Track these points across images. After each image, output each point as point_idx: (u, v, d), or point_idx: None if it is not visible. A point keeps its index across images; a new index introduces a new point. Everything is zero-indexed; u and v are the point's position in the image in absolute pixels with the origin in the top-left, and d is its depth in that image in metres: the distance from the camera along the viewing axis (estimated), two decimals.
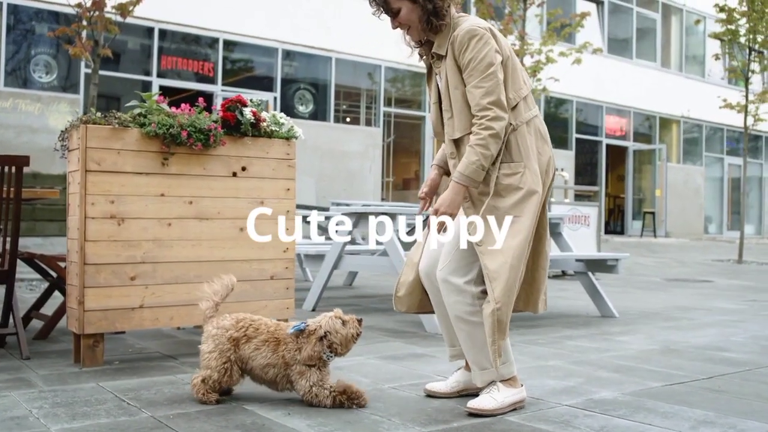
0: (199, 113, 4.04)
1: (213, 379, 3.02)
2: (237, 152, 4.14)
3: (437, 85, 3.16)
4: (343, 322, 3.09)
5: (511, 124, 3.00)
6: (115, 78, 13.80)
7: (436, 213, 2.99)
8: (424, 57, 3.23)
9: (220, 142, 4.03)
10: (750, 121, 16.65)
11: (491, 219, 2.96)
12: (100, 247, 3.72)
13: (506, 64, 3.02)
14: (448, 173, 3.21)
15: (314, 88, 16.72)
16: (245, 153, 4.17)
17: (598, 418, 2.94)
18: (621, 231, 23.14)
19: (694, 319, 6.10)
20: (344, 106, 17.37)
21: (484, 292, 3.00)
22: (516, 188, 2.98)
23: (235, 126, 4.12)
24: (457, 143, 3.04)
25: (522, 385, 3.09)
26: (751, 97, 16.65)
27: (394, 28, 3.15)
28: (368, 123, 17.59)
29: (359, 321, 3.13)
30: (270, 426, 2.75)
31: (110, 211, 3.75)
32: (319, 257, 6.45)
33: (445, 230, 3.03)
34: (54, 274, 4.68)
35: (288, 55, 16.14)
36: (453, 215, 3.00)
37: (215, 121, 4.05)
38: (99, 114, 3.84)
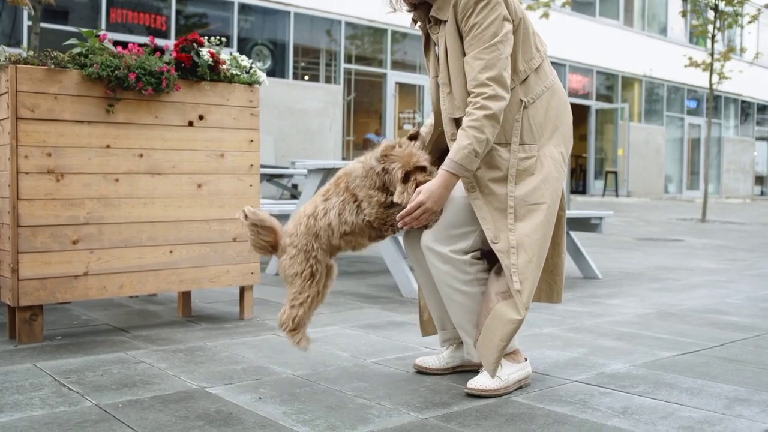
0: (150, 54, 3.54)
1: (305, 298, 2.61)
2: (193, 99, 3.64)
3: (436, 56, 2.69)
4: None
5: (521, 100, 2.57)
6: (63, 32, 12.97)
7: (418, 208, 2.50)
8: (419, 23, 2.73)
9: (174, 86, 3.53)
10: (715, 79, 16.46)
11: (508, 211, 2.54)
12: (35, 207, 3.22)
13: (517, 30, 2.56)
14: (441, 159, 2.63)
15: (272, 44, 16.07)
16: (203, 100, 3.67)
17: (617, 396, 2.57)
18: (583, 191, 22.99)
19: (680, 279, 5.80)
20: (303, 63, 16.75)
21: (476, 258, 2.59)
22: (532, 173, 2.56)
23: (190, 69, 3.62)
24: (459, 123, 2.56)
25: (526, 359, 2.71)
26: (715, 56, 16.43)
27: None
28: (328, 80, 17.01)
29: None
30: (238, 415, 2.32)
31: (47, 165, 3.25)
32: (282, 218, 5.99)
33: (427, 227, 2.61)
34: None
35: (244, 8, 15.44)
36: (438, 212, 2.57)
37: (168, 63, 3.55)
38: (31, 53, 3.31)
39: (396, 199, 2.55)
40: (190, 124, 3.63)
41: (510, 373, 2.59)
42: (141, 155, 3.49)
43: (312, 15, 16.37)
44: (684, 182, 26.59)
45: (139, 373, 2.77)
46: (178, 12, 14.44)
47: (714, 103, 26.61)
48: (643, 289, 5.21)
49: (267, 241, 2.69)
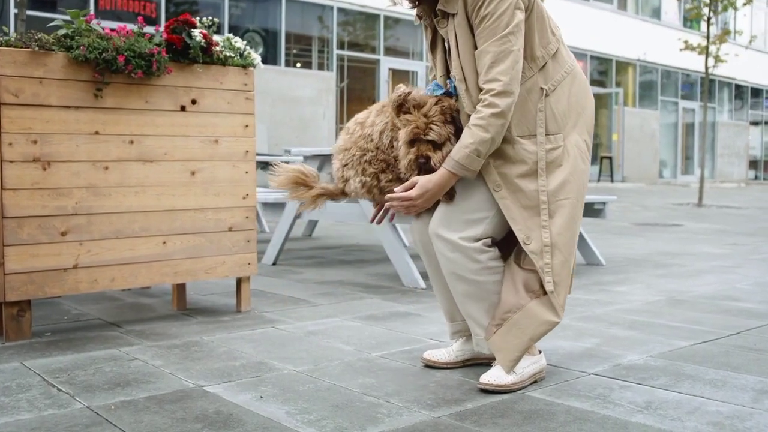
0: (139, 35, 3.38)
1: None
2: (185, 82, 3.48)
3: (445, 52, 2.53)
4: None
5: (542, 88, 2.42)
6: (50, 20, 12.74)
7: (407, 200, 2.40)
8: (424, 18, 2.55)
9: (165, 69, 3.37)
10: (711, 62, 16.33)
11: (541, 207, 2.40)
12: (21, 197, 3.06)
13: (530, 15, 2.39)
14: None
15: (264, 31, 15.86)
16: (195, 83, 3.51)
17: (638, 390, 2.43)
18: None
19: (685, 265, 5.68)
20: (295, 50, 16.55)
21: (488, 245, 2.45)
22: (560, 165, 2.41)
23: (182, 51, 3.46)
24: None
25: (540, 352, 2.57)
26: (711, 39, 16.28)
27: None
28: (321, 67, 16.83)
29: None
30: (239, 416, 2.18)
31: (33, 153, 3.08)
32: (278, 206, 5.84)
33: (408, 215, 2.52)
34: None
35: None
36: (422, 209, 2.47)
37: (158, 45, 3.38)
38: (14, 34, 3.15)
39: (401, 162, 2.45)
40: (183, 108, 3.47)
41: (524, 366, 2.46)
42: (131, 142, 3.33)
43: (303, 1, 16.16)
44: (678, 167, 26.52)
45: (133, 372, 2.62)
46: None
47: (708, 87, 26.51)
48: (648, 276, 5.08)
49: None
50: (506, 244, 2.51)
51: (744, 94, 29.08)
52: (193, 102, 3.50)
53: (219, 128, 3.59)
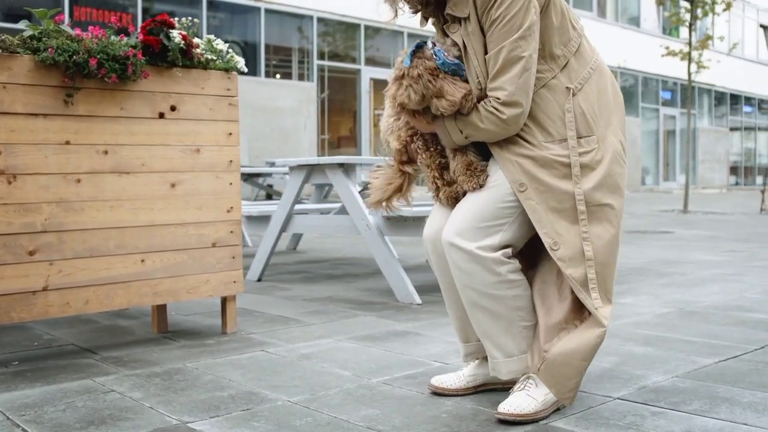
0: (113, 36, 3.12)
1: None
2: (164, 87, 3.23)
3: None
4: None
5: (568, 87, 2.19)
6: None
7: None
8: (432, 21, 2.32)
9: (142, 73, 3.11)
10: (693, 68, 16.26)
11: (579, 211, 2.18)
12: None
13: (546, 10, 2.16)
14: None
15: (243, 42, 15.60)
16: (174, 88, 3.26)
17: (672, 417, 2.20)
18: None
19: (687, 273, 5.48)
20: (275, 61, 16.30)
21: (507, 256, 2.21)
22: (593, 169, 2.19)
23: (160, 53, 3.20)
24: None
25: None
26: (693, 45, 16.22)
27: None
28: (301, 78, 16.58)
29: None
30: None
31: None
32: (263, 219, 5.58)
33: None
34: None
35: (212, 5, 14.97)
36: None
37: (134, 47, 3.13)
38: None
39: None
40: (161, 116, 3.22)
41: (547, 392, 2.22)
42: (106, 152, 3.07)
43: (283, 11, 15.94)
44: (660, 173, 26.50)
45: (109, 406, 2.35)
46: (144, 10, 13.94)
47: (685, 94, 26.55)
48: (652, 285, 4.87)
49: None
50: (528, 259, 2.29)
51: (723, 101, 29.17)
52: (173, 108, 3.25)
53: (200, 136, 3.33)
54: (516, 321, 2.23)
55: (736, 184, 30.26)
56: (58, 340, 3.34)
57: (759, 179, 31.28)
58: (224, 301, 3.50)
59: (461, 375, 2.46)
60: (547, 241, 2.16)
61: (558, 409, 2.26)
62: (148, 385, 2.60)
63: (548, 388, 2.20)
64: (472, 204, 2.22)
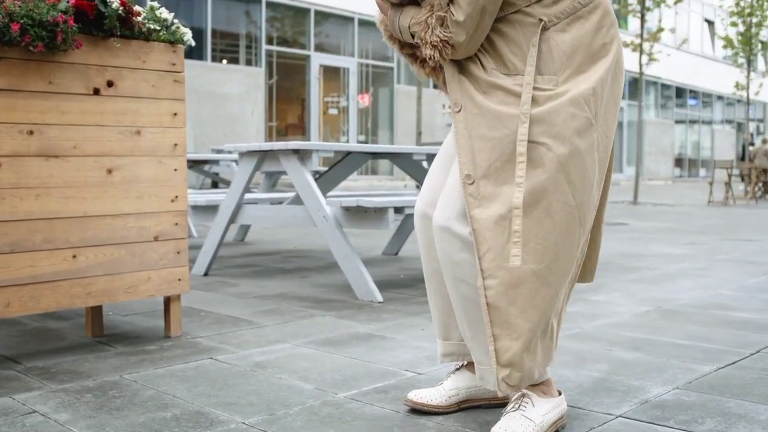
0: (40, 0, 2.72)
1: None
2: (100, 60, 2.84)
3: None
4: None
5: (541, 20, 1.87)
6: None
7: None
8: None
9: (74, 43, 2.72)
10: (644, 60, 16.27)
11: (503, 149, 1.84)
12: None
13: None
14: None
15: (189, 25, 15.04)
16: (112, 61, 2.87)
17: None
18: None
19: (654, 268, 5.28)
20: (222, 45, 15.77)
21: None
22: (539, 104, 1.83)
23: (95, 21, 2.81)
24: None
25: (560, 393, 2.04)
26: (644, 37, 16.23)
27: None
28: (249, 63, 16.08)
29: None
30: None
31: None
32: (210, 209, 5.20)
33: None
34: None
35: None
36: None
37: (65, 12, 2.73)
38: None
39: None
40: (96, 92, 2.83)
41: (544, 412, 1.93)
42: (31, 132, 2.67)
43: None
44: None
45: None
46: None
47: (635, 86, 26.73)
48: (621, 281, 4.64)
49: None
50: None
51: (669, 93, 29.48)
52: (110, 84, 2.86)
53: (141, 116, 2.95)
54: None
55: (680, 176, 30.64)
56: None
57: (702, 171, 31.78)
58: (167, 301, 3.13)
59: (442, 390, 2.15)
60: (462, 171, 1.85)
61: (557, 431, 1.97)
62: (78, 403, 2.23)
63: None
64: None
